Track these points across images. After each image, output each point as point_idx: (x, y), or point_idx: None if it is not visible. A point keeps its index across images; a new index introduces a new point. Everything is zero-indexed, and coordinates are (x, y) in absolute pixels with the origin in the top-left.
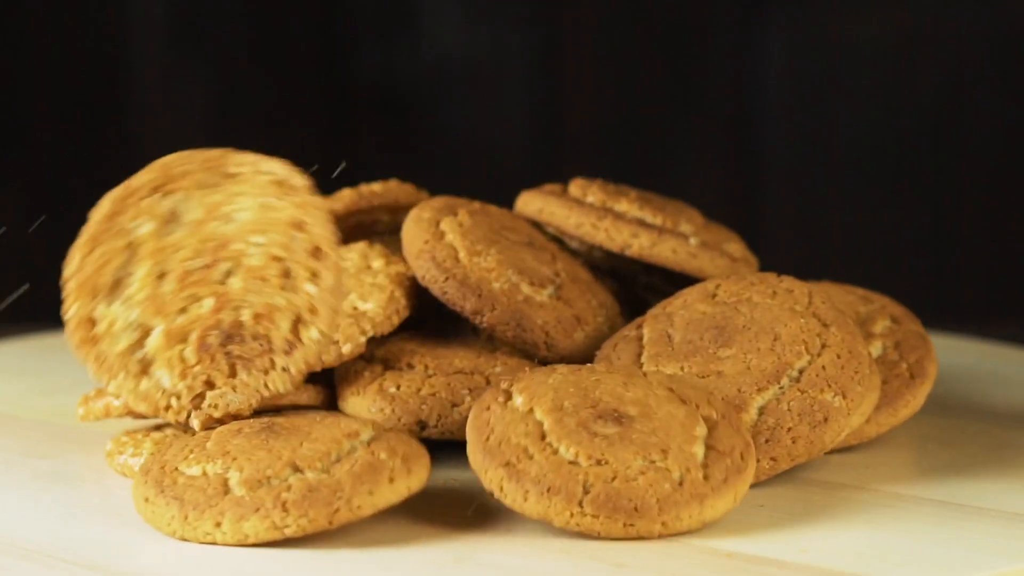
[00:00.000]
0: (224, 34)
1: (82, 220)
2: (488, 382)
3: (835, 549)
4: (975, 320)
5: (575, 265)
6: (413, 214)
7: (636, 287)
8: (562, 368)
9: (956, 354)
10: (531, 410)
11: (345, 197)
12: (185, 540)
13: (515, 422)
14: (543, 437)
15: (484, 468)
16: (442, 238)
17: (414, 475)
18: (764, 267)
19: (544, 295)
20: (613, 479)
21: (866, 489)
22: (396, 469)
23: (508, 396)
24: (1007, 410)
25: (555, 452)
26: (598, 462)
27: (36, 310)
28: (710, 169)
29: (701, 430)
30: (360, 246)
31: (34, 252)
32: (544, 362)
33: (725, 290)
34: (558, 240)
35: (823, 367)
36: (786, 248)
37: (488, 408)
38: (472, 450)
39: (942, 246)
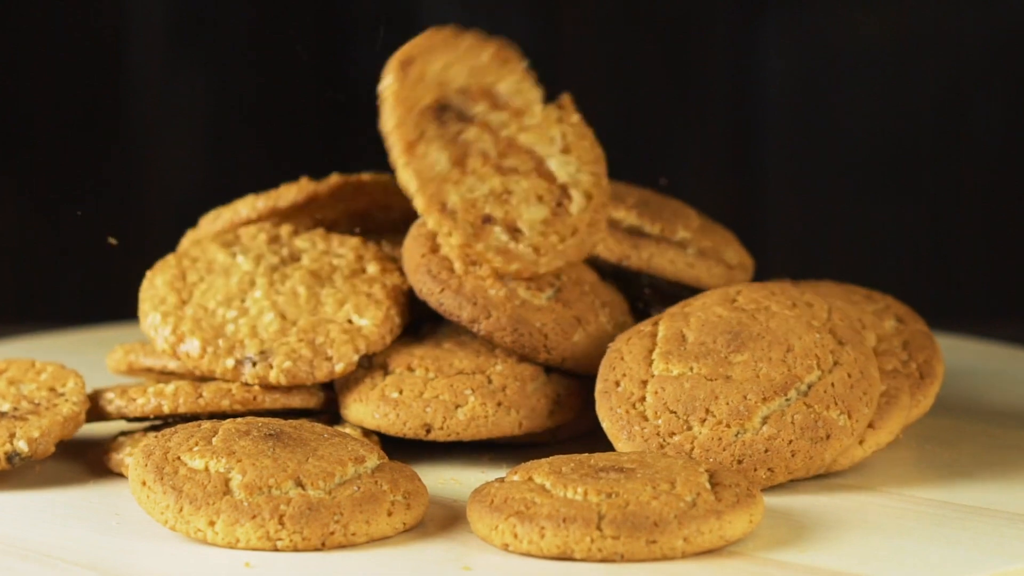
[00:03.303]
0: (223, 34)
1: (81, 220)
2: (489, 381)
3: (835, 549)
4: (975, 320)
5: (580, 268)
6: (412, 230)
7: (638, 289)
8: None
9: (956, 354)
10: (530, 478)
11: (332, 180)
12: (175, 531)
13: (516, 487)
14: (548, 493)
15: (493, 525)
16: (438, 251)
17: (412, 512)
18: (764, 267)
19: (542, 298)
20: (627, 505)
21: (866, 489)
22: (396, 503)
23: (502, 479)
24: (1007, 410)
25: (563, 495)
26: (608, 495)
27: (36, 310)
28: (710, 169)
29: (704, 473)
30: (355, 243)
31: (35, 252)
32: (546, 365)
33: (745, 296)
34: None
35: (832, 384)
36: (786, 248)
37: (485, 487)
38: (477, 517)
39: (942, 246)
